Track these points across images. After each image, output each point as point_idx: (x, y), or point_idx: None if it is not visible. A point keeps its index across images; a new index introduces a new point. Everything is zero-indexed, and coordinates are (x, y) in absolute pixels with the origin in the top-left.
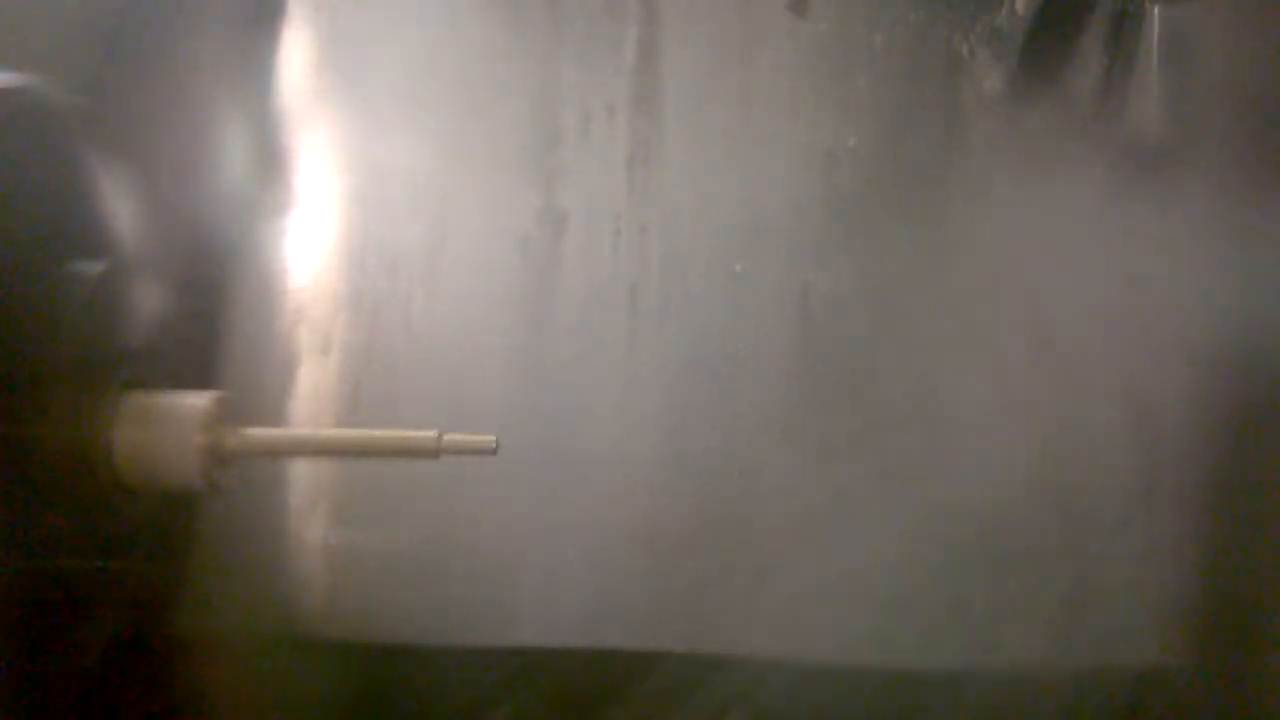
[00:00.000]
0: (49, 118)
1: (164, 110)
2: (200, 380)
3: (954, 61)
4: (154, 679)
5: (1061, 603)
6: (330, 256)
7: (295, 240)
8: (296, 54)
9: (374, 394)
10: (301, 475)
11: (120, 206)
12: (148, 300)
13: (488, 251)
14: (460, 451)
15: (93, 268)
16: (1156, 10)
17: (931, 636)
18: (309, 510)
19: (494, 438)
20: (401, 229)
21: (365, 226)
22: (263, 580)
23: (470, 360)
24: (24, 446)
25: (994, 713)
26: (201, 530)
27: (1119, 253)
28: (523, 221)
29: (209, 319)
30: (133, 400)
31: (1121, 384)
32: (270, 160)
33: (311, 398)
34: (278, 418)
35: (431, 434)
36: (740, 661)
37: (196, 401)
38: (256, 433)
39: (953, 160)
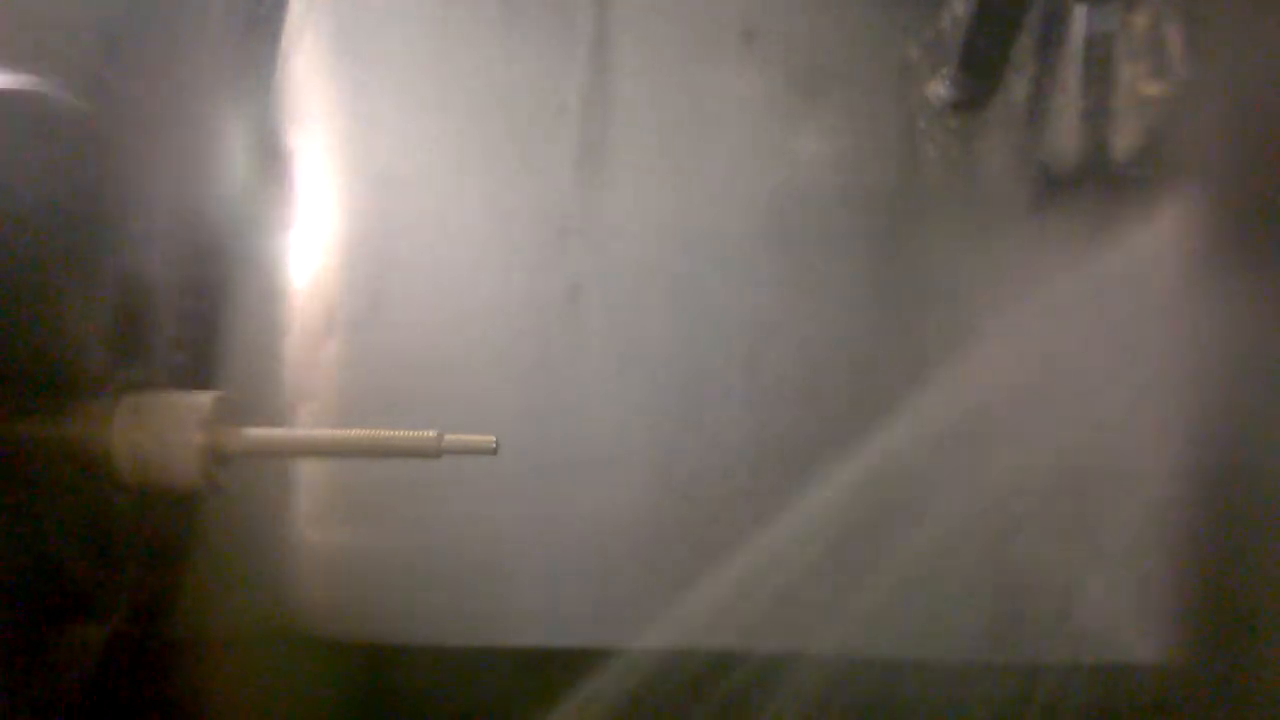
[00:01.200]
0: (50, 118)
1: (164, 110)
2: (200, 380)
3: (905, 66)
4: (154, 679)
5: (1059, 602)
6: (330, 256)
7: (294, 240)
8: (296, 55)
9: (374, 393)
10: (301, 475)
11: (120, 207)
12: (149, 300)
13: (487, 251)
14: (461, 451)
15: (93, 268)
16: (1081, 11)
17: (930, 633)
18: (308, 510)
19: (494, 438)
20: (400, 228)
21: (365, 226)
22: (262, 580)
23: (471, 359)
24: (24, 446)
25: (991, 709)
26: (201, 530)
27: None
28: (521, 222)
29: (209, 319)
30: (133, 400)
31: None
32: (270, 159)
33: (312, 398)
34: (278, 418)
35: (432, 434)
36: (738, 659)
37: (196, 401)
38: (256, 433)
39: (904, 162)
